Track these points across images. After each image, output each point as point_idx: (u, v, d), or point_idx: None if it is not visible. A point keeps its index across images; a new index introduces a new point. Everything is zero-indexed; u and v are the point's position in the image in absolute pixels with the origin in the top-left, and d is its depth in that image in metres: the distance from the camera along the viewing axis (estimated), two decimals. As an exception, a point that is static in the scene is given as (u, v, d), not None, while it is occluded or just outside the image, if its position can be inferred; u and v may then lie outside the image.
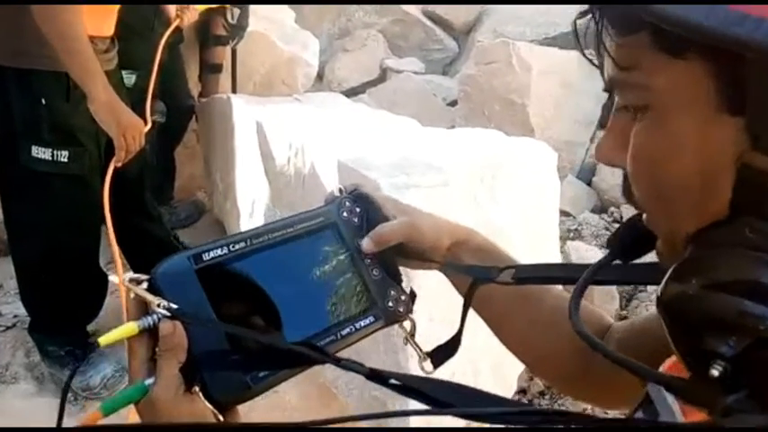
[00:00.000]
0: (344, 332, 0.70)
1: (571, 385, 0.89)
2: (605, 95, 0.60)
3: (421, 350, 0.78)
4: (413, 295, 0.79)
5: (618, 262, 0.65)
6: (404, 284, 0.79)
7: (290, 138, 2.47)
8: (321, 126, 2.59)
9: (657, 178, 0.53)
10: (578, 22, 0.57)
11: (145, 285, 0.61)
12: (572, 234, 3.59)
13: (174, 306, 0.60)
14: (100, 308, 2.54)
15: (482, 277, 0.76)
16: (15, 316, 2.80)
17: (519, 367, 2.36)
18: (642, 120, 0.53)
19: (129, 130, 2.17)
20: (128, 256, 2.57)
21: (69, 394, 2.36)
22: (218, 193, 3.35)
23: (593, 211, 4.06)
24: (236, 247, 0.67)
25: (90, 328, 2.56)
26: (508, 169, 2.18)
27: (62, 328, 2.46)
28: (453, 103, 5.17)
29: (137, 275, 0.62)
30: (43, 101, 2.12)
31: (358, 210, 0.78)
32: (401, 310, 0.76)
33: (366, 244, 0.75)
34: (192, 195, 3.81)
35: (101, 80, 2.06)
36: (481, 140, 2.35)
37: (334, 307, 0.71)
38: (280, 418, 2.10)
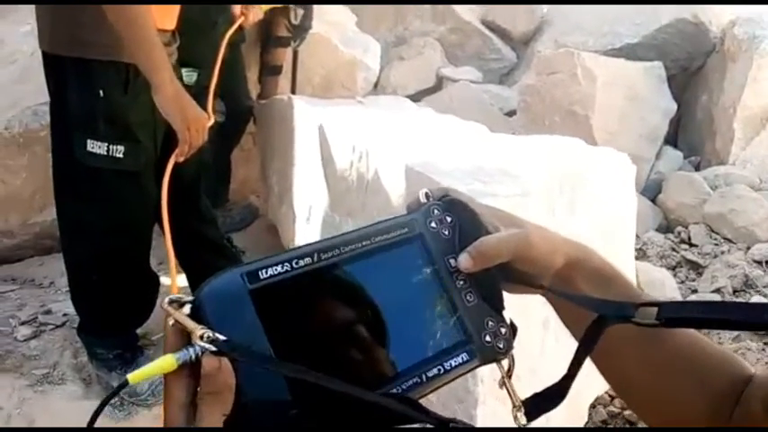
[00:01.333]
0: (431, 373, 0.56)
1: None
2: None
3: (517, 397, 0.61)
4: (513, 327, 0.63)
5: None
6: None
7: (353, 141, 2.36)
8: (386, 130, 2.47)
9: None
10: None
11: (187, 309, 0.48)
12: (636, 254, 3.41)
13: (222, 337, 0.47)
14: (151, 311, 2.47)
15: (614, 315, 0.59)
16: (65, 314, 2.75)
17: (590, 396, 2.21)
18: None
19: (193, 124, 2.09)
20: (180, 258, 2.46)
21: (115, 399, 2.29)
22: (274, 196, 3.26)
23: (657, 229, 3.88)
24: (301, 263, 0.53)
25: (140, 330, 2.49)
26: (588, 180, 2.05)
27: (112, 331, 2.39)
28: (511, 114, 5.05)
29: (177, 296, 0.49)
30: (101, 92, 2.04)
31: (449, 220, 0.63)
32: (500, 346, 0.61)
33: (464, 261, 0.60)
34: (245, 198, 3.75)
35: (168, 71, 1.98)
36: (559, 148, 2.21)
37: (417, 340, 0.57)
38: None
